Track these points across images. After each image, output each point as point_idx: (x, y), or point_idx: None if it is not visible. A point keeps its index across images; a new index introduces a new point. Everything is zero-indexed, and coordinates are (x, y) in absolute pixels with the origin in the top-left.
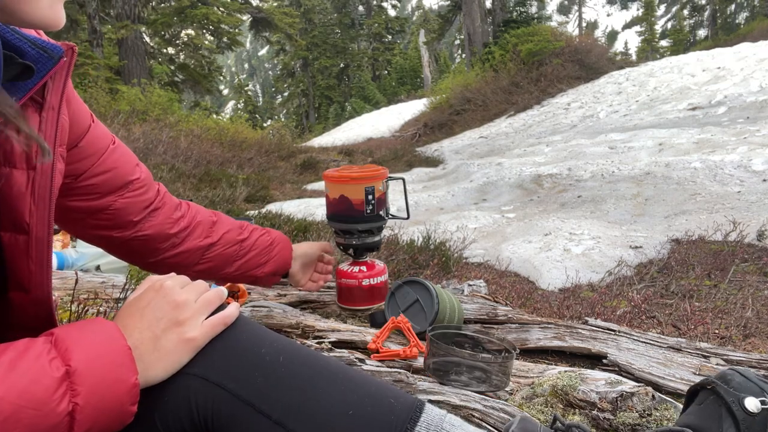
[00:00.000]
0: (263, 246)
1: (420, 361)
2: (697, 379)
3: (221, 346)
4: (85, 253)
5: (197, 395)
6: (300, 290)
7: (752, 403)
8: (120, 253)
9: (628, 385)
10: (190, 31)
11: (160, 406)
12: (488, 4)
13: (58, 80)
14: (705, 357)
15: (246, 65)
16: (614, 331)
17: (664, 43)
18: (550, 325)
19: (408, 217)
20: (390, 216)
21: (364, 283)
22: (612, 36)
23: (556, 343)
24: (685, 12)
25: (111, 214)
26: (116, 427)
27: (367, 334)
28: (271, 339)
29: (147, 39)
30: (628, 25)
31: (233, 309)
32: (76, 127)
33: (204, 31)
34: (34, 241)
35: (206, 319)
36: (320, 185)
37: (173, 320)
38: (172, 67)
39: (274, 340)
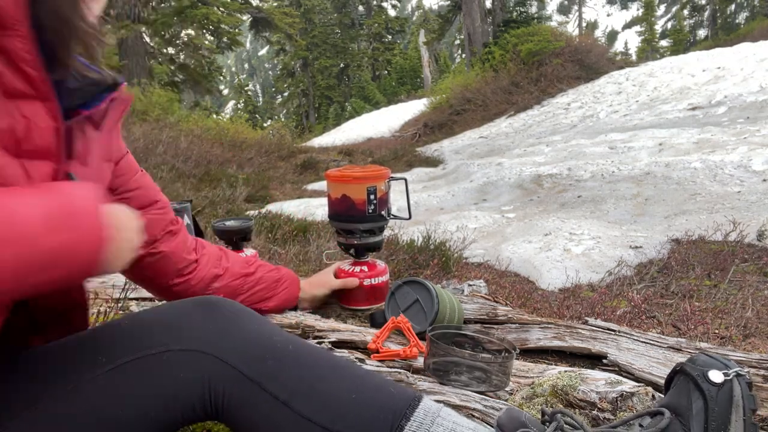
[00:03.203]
0: (269, 282)
1: (420, 361)
2: None
3: (238, 333)
4: None
5: (211, 376)
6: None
7: (716, 375)
8: (133, 271)
9: (628, 385)
10: (190, 31)
11: (175, 384)
12: (488, 4)
13: (115, 110)
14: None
15: (246, 65)
16: (614, 331)
17: (664, 43)
18: (550, 325)
19: (410, 218)
20: (392, 216)
21: (365, 283)
22: (612, 36)
23: (556, 343)
24: (685, 12)
25: None
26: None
27: (367, 334)
28: (282, 332)
29: (147, 39)
30: (628, 25)
31: None
32: (116, 153)
33: (204, 31)
34: None
35: None
36: (320, 185)
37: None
38: (172, 67)
39: (285, 333)
